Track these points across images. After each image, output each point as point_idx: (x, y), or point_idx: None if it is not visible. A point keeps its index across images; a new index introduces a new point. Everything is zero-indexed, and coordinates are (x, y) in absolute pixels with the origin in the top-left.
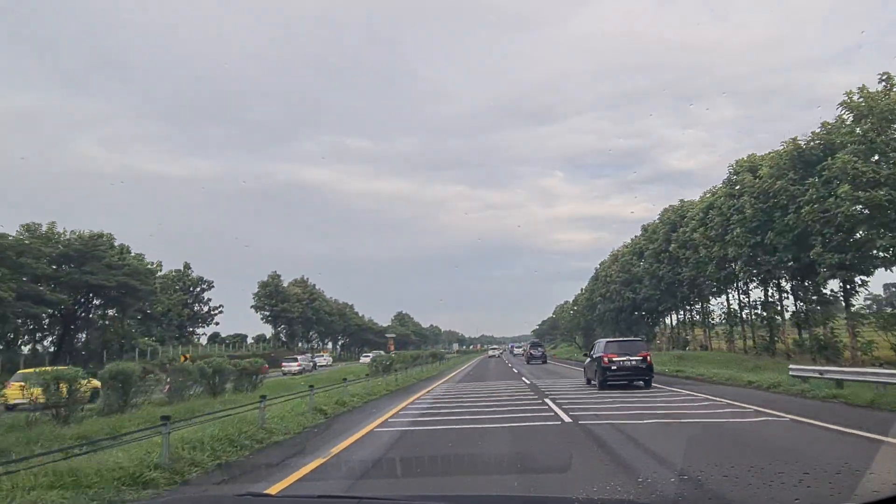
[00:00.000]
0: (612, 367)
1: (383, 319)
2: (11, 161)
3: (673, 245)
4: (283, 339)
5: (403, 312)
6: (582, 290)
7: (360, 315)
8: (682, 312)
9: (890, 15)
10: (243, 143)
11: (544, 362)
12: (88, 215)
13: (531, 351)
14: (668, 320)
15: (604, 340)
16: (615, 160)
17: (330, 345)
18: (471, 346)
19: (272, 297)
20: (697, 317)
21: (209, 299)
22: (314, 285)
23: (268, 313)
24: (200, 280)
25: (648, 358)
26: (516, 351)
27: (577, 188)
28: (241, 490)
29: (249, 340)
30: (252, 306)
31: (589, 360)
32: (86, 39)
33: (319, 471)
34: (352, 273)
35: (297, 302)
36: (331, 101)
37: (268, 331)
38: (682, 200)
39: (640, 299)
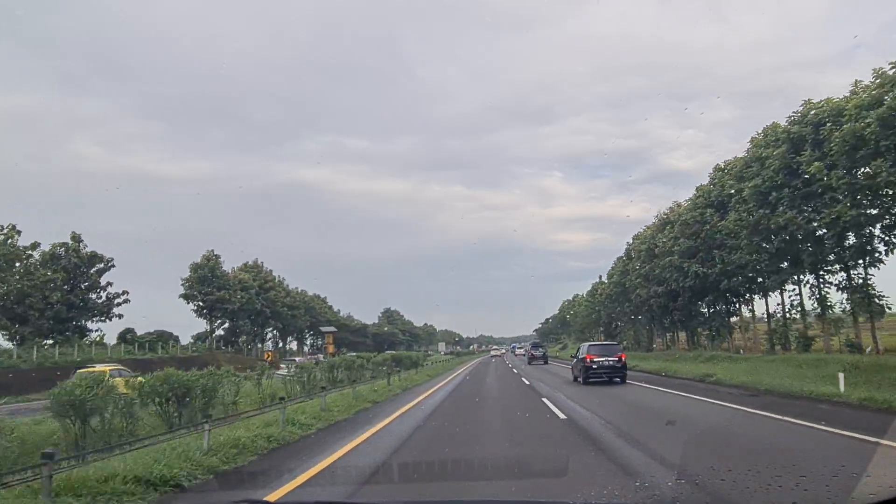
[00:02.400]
0: (594, 367)
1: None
2: (7, 161)
3: (815, 165)
4: (233, 336)
5: (392, 309)
6: (601, 278)
7: (335, 310)
8: (799, 287)
9: (887, 15)
10: (241, 143)
11: (545, 362)
12: (88, 215)
13: (532, 352)
14: (762, 304)
15: (587, 344)
16: (613, 161)
17: (295, 345)
18: (470, 347)
19: (206, 283)
20: (838, 293)
21: (109, 283)
22: (270, 271)
23: (201, 303)
24: (94, 258)
25: (623, 359)
26: (518, 351)
27: (576, 189)
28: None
29: (187, 340)
30: (181, 295)
31: (575, 360)
32: (84, 39)
33: None
34: (349, 274)
35: (243, 290)
36: (329, 101)
37: (208, 326)
38: (807, 101)
39: (717, 274)
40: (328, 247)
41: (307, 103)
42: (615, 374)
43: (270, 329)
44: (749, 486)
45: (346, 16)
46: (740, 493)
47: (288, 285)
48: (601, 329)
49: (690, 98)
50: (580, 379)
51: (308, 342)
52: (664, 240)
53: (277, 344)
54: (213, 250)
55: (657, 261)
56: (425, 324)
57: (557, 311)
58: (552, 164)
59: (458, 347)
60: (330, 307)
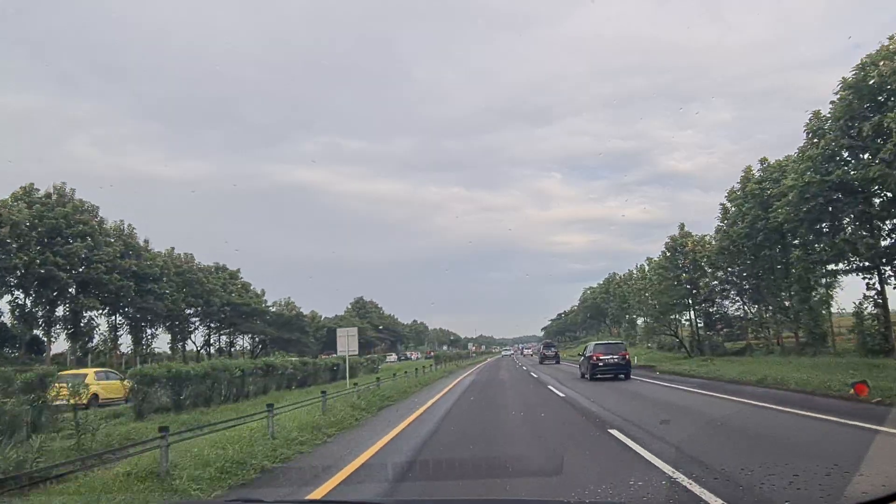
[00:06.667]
0: (600, 364)
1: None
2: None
3: None
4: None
5: (366, 300)
6: (682, 227)
7: (256, 291)
8: None
9: (885, 16)
10: (238, 144)
11: (557, 362)
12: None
13: (544, 351)
14: None
15: (593, 343)
16: (612, 162)
17: (168, 341)
18: (470, 347)
19: None
20: None
21: None
22: (95, 208)
23: None
24: None
25: (627, 356)
26: (526, 352)
27: (574, 190)
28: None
29: None
30: None
31: (583, 358)
32: (82, 40)
33: None
34: (345, 275)
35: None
36: (327, 102)
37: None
38: None
39: None
40: (325, 248)
41: (305, 104)
42: (619, 371)
43: (103, 312)
44: None
45: (344, 17)
46: None
47: (148, 243)
48: (673, 316)
49: (689, 99)
50: (587, 376)
51: (198, 337)
52: None
53: (115, 336)
54: None
55: None
56: (414, 321)
57: (578, 303)
58: (550, 166)
59: (447, 348)
60: (245, 285)
